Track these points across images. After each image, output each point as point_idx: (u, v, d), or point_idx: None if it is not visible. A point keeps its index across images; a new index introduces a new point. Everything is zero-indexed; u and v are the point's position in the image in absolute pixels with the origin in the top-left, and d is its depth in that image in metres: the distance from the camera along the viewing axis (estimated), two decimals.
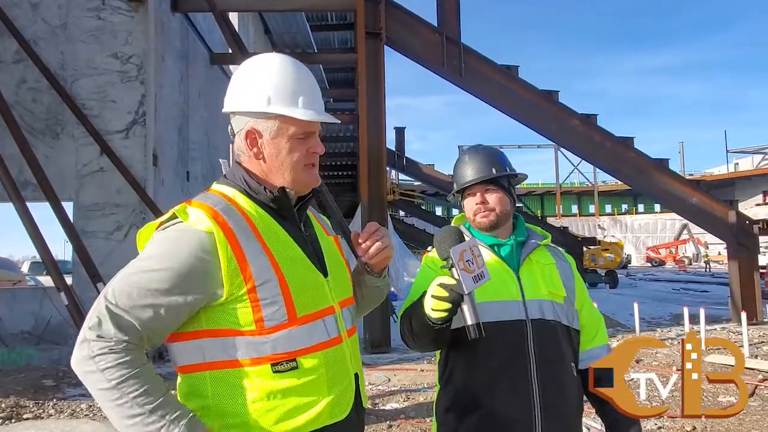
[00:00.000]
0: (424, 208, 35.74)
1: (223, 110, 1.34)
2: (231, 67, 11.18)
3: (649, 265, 38.85)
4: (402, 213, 35.19)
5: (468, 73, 9.55)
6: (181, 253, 1.16)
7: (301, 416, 1.20)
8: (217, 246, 1.16)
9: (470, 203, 1.71)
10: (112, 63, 7.74)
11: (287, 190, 1.29)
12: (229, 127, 1.35)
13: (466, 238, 1.46)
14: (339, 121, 1.48)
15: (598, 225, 45.50)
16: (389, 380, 6.57)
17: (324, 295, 1.29)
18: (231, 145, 1.38)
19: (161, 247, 1.19)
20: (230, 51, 10.36)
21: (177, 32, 9.11)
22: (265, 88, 1.27)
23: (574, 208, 52.42)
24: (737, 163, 51.09)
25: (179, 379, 1.26)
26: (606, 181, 48.98)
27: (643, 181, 10.57)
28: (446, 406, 1.61)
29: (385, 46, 9.02)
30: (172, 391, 1.21)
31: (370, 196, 8.52)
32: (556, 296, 1.62)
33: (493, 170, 1.68)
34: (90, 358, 1.10)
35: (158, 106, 8.01)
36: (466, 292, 1.27)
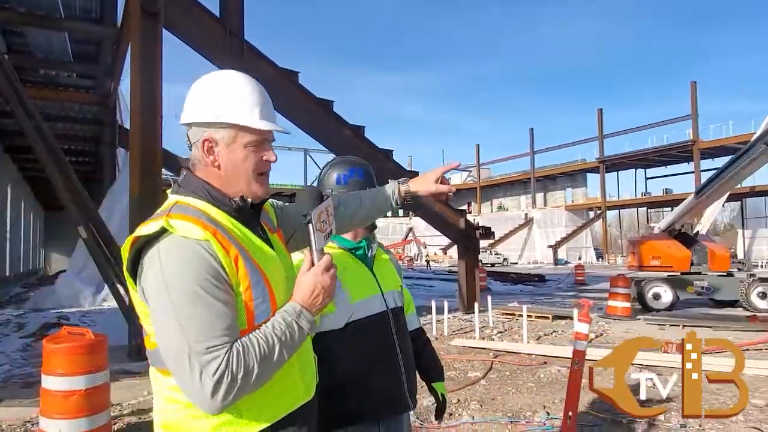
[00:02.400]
0: None
1: (180, 122, 1.39)
2: None
3: None
4: None
5: (251, 71, 9.45)
6: (194, 262, 1.21)
7: (283, 400, 1.35)
8: (216, 252, 1.23)
9: None
10: None
11: (245, 197, 1.38)
12: (186, 139, 1.40)
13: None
14: (290, 133, 1.55)
15: None
16: None
17: (291, 288, 1.39)
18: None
19: (179, 265, 1.20)
20: None
21: None
22: (222, 98, 1.34)
23: None
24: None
25: (163, 380, 1.30)
26: None
27: None
28: (326, 393, 1.70)
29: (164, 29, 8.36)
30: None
31: (142, 192, 7.80)
32: (398, 286, 2.02)
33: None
34: (225, 393, 1.17)
35: None
36: (317, 249, 1.37)
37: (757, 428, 4.53)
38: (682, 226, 14.29)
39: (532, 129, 53.59)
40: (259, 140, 1.37)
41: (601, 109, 47.64)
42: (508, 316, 11.64)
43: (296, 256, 1.82)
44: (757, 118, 39.67)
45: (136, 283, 1.28)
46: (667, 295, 12.92)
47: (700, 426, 4.59)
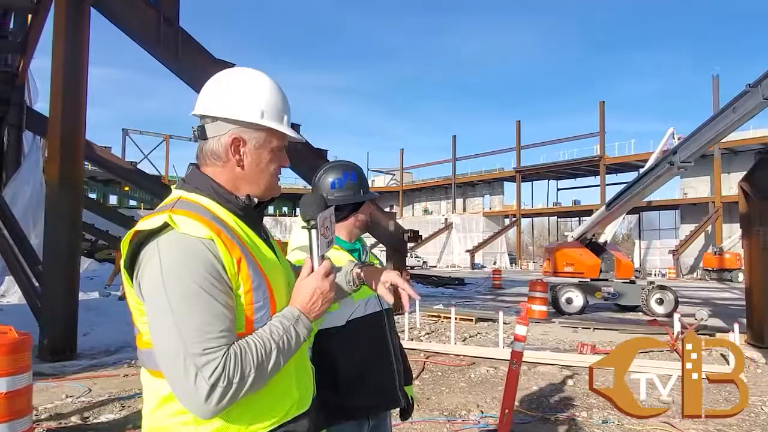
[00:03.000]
0: (93, 196, 31.30)
1: (205, 113, 1.33)
2: None
3: None
4: None
5: (185, 60, 9.12)
6: (196, 260, 1.17)
7: (277, 410, 1.30)
8: (219, 251, 1.19)
9: (363, 214, 2.05)
10: None
11: (252, 197, 1.36)
12: (198, 129, 1.34)
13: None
14: (304, 140, 1.58)
15: None
16: (90, 390, 5.79)
17: (289, 294, 1.37)
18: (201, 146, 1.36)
19: (179, 263, 1.17)
20: None
21: None
22: (258, 101, 1.33)
23: None
24: (374, 180, 61.31)
25: (155, 383, 1.24)
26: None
27: None
28: (327, 390, 1.76)
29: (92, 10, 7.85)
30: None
31: (62, 178, 7.26)
32: None
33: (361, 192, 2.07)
34: (219, 397, 1.13)
35: None
36: (319, 255, 1.38)
37: (668, 423, 4.97)
38: (593, 235, 15.32)
39: (454, 136, 55.30)
40: (283, 146, 1.40)
41: (519, 122, 50.03)
42: (434, 318, 11.94)
43: (295, 255, 1.82)
44: (655, 138, 43.47)
45: (132, 279, 1.23)
46: (578, 300, 13.80)
47: (619, 422, 4.97)
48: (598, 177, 44.60)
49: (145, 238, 1.20)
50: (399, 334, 2.22)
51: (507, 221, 50.75)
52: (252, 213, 1.37)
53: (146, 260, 1.19)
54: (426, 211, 58.33)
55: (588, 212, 43.99)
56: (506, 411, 4.36)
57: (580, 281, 14.41)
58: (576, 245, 15.21)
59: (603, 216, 14.55)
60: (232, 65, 10.01)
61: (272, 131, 1.35)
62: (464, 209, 55.10)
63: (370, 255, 2.10)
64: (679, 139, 35.01)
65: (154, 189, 20.39)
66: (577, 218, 48.78)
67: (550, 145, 50.04)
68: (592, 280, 14.44)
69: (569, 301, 13.81)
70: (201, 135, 1.34)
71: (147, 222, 1.20)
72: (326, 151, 11.74)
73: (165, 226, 1.18)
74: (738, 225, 35.30)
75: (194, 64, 9.38)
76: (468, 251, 46.32)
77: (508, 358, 7.65)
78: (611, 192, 42.53)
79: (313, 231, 1.38)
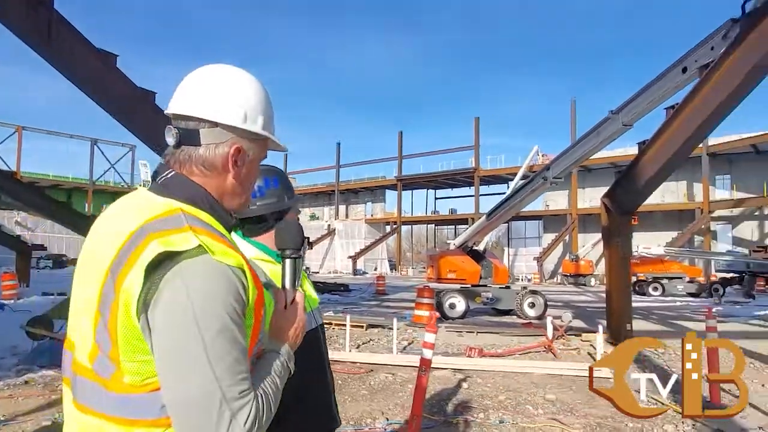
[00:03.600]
0: None
1: (202, 116, 1.16)
2: None
3: None
4: None
5: (59, 47, 8.22)
6: (230, 292, 1.04)
7: None
8: (248, 282, 1.08)
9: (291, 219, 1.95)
10: None
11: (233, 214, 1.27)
12: (181, 131, 1.16)
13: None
14: (287, 149, 1.46)
15: None
16: None
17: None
18: (177, 150, 1.17)
19: (214, 294, 1.02)
20: None
21: None
22: (260, 109, 1.22)
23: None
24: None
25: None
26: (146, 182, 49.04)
27: None
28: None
29: None
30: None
31: None
32: (317, 303, 1.96)
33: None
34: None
35: None
36: (292, 286, 1.32)
37: (555, 419, 5.41)
38: (474, 243, 16.25)
39: (339, 143, 55.76)
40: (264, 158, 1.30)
41: (402, 132, 51.67)
42: (326, 325, 11.88)
43: (269, 266, 1.72)
44: (523, 153, 47.42)
45: (136, 307, 1.01)
46: (460, 305, 14.53)
47: (513, 421, 5.31)
48: (473, 187, 47.34)
49: (164, 258, 1.01)
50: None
51: (388, 228, 52.03)
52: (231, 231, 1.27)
53: (169, 289, 1.00)
54: (313, 217, 57.98)
55: (464, 221, 46.62)
56: (416, 417, 4.48)
57: (462, 287, 15.19)
58: (458, 253, 16.02)
59: (483, 225, 15.50)
60: (114, 56, 9.26)
61: (266, 142, 1.26)
62: (347, 216, 55.61)
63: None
64: (542, 156, 38.37)
65: (6, 186, 18.20)
66: (453, 226, 51.43)
67: (429, 156, 52.27)
68: (473, 285, 15.29)
69: (452, 306, 14.48)
70: (190, 140, 1.16)
71: (176, 238, 1.02)
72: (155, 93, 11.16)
73: (194, 249, 1.02)
74: (591, 235, 39.68)
75: (70, 51, 8.51)
76: (350, 257, 46.76)
77: (404, 364, 7.93)
78: (485, 202, 45.33)
79: (298, 261, 1.31)
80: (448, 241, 18.21)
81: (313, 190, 59.02)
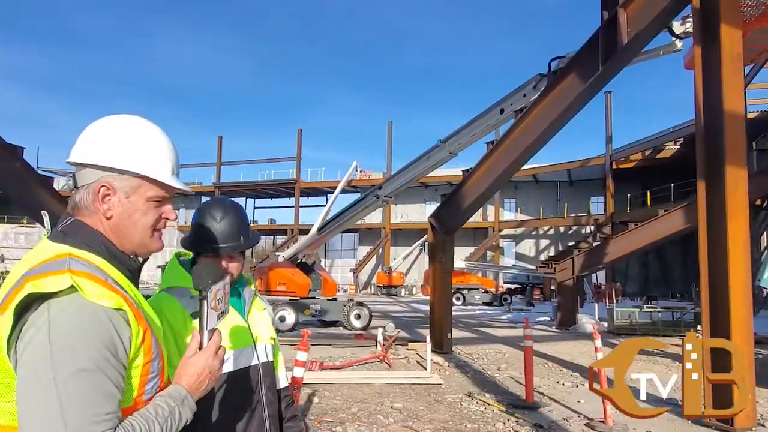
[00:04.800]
0: None
1: (71, 160, 1.23)
2: None
3: None
4: None
5: None
6: (96, 333, 1.05)
7: None
8: (128, 323, 1.11)
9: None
10: None
11: (137, 254, 1.27)
12: (72, 179, 1.25)
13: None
14: (193, 193, 1.43)
15: None
16: None
17: (173, 361, 1.33)
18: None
19: (75, 334, 1.03)
20: None
21: None
22: (133, 145, 1.24)
23: None
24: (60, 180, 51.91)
25: None
26: None
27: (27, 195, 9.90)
28: None
29: None
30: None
31: None
32: (271, 339, 1.88)
33: (241, 239, 1.77)
34: None
35: None
36: (208, 329, 1.32)
37: (407, 426, 5.83)
38: (304, 256, 16.42)
39: None
40: (163, 196, 1.28)
41: (222, 137, 49.74)
42: None
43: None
44: (343, 168, 49.29)
45: (6, 346, 1.04)
46: (290, 317, 14.55)
47: (357, 428, 5.59)
48: (293, 198, 47.52)
49: (35, 300, 1.03)
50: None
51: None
52: (137, 274, 1.27)
53: (33, 326, 1.02)
54: None
55: (283, 231, 46.52)
56: None
57: (291, 299, 15.23)
58: (287, 265, 16.04)
59: (315, 239, 15.78)
60: None
61: (147, 179, 1.24)
62: None
63: (255, 299, 1.88)
64: (361, 171, 39.94)
65: None
66: (272, 236, 50.87)
67: (250, 165, 51.10)
68: (302, 298, 15.43)
69: (282, 318, 14.43)
70: (75, 183, 1.24)
71: (48, 281, 1.04)
72: (23, 148, 9.70)
73: (65, 290, 1.03)
74: (401, 248, 42.68)
75: None
76: (160, 267, 43.30)
77: None
78: (304, 213, 45.93)
79: (204, 302, 1.30)
80: (277, 254, 18.10)
81: None
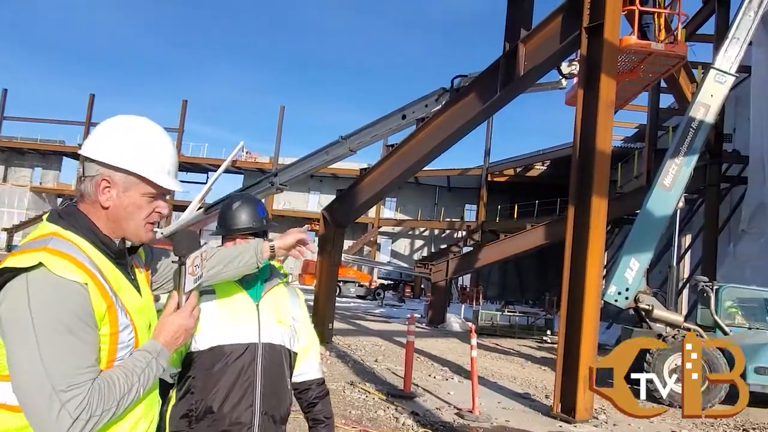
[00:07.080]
0: None
1: (82, 153, 1.39)
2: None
3: None
4: None
5: None
6: (67, 301, 1.21)
7: None
8: (91, 297, 1.25)
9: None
10: None
11: (126, 240, 1.44)
12: (80, 169, 1.41)
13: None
14: (181, 190, 1.66)
15: None
16: None
17: (150, 335, 1.47)
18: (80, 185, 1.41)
19: (50, 301, 1.20)
20: None
21: None
22: (133, 147, 1.39)
23: None
24: None
25: (8, 420, 1.23)
26: None
27: None
28: (181, 414, 1.84)
29: None
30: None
31: None
32: (286, 324, 1.99)
33: (263, 221, 2.03)
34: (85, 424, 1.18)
35: None
36: (185, 291, 1.46)
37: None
38: None
39: (5, 90, 45.60)
40: (157, 193, 1.43)
41: (93, 96, 45.47)
42: None
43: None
44: (228, 146, 47.51)
45: None
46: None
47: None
48: None
49: (8, 272, 1.21)
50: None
51: (60, 201, 44.87)
52: (124, 257, 1.42)
53: (11, 297, 1.19)
54: None
55: None
56: None
57: None
58: (167, 243, 15.34)
59: (200, 218, 15.27)
60: None
61: (143, 178, 1.39)
62: (5, 179, 45.78)
63: (281, 283, 2.05)
64: (247, 153, 38.79)
65: None
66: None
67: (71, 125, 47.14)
68: None
69: None
70: (82, 172, 1.39)
71: (17, 259, 1.21)
72: None
73: (37, 265, 1.20)
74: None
75: None
76: (6, 230, 38.69)
77: None
78: (183, 189, 43.45)
79: (183, 267, 1.45)
80: (156, 230, 17.16)
81: None
